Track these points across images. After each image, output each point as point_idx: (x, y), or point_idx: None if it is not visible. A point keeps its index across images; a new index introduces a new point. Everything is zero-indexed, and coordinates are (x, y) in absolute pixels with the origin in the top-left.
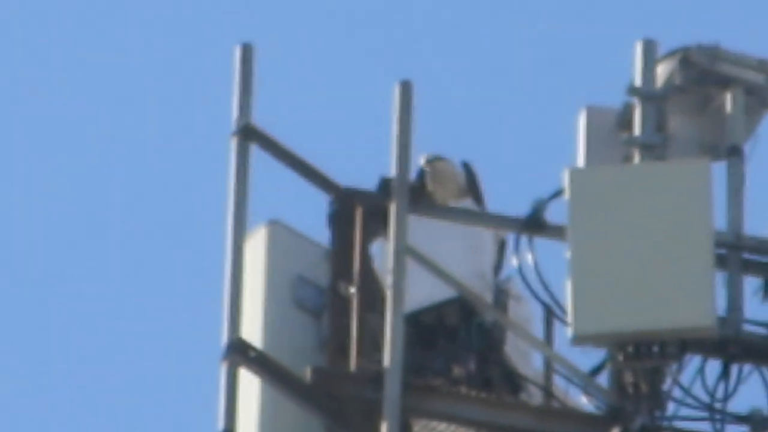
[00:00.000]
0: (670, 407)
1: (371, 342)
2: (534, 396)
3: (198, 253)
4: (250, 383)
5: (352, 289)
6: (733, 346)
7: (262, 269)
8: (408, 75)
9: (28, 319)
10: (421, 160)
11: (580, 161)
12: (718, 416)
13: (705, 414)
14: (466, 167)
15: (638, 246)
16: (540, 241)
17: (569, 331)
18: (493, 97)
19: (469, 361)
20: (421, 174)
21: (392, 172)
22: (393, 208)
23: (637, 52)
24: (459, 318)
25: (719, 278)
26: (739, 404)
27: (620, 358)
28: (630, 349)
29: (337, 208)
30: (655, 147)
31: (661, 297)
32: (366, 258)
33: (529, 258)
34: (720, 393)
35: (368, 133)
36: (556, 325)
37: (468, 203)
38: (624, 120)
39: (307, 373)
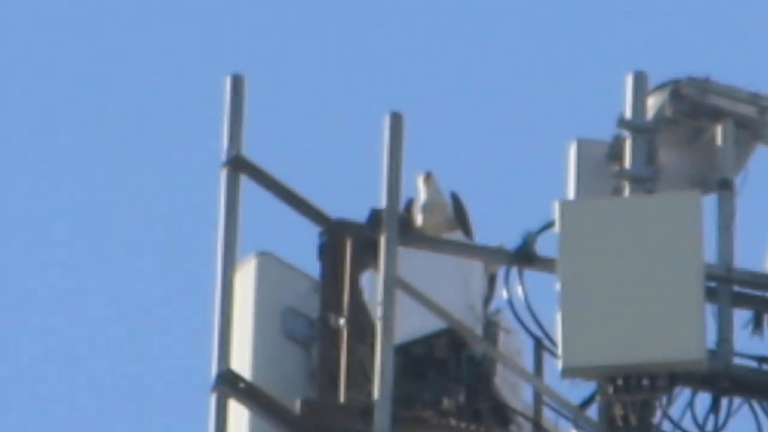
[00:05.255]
0: None
1: (361, 374)
2: (524, 428)
3: (188, 284)
4: (239, 414)
5: (342, 321)
6: (723, 379)
7: (252, 300)
8: (398, 106)
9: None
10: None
11: (570, 194)
12: None
13: None
14: (455, 198)
15: (628, 279)
16: (530, 274)
17: (559, 364)
18: (483, 128)
19: (459, 393)
20: (410, 205)
21: (382, 203)
22: (383, 240)
23: (628, 84)
24: (449, 350)
25: (709, 311)
26: None
27: (610, 390)
28: (620, 381)
29: (327, 239)
30: (646, 179)
31: (651, 330)
32: (356, 290)
33: (519, 290)
34: (710, 426)
35: (358, 164)
36: (546, 357)
37: (458, 235)
38: (614, 152)
39: (297, 405)
